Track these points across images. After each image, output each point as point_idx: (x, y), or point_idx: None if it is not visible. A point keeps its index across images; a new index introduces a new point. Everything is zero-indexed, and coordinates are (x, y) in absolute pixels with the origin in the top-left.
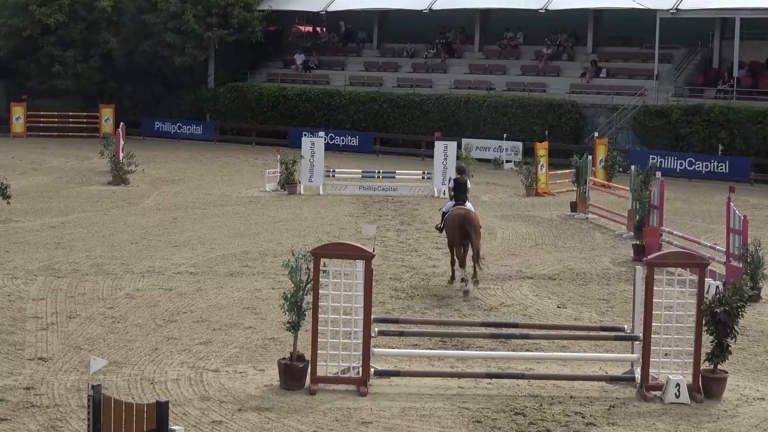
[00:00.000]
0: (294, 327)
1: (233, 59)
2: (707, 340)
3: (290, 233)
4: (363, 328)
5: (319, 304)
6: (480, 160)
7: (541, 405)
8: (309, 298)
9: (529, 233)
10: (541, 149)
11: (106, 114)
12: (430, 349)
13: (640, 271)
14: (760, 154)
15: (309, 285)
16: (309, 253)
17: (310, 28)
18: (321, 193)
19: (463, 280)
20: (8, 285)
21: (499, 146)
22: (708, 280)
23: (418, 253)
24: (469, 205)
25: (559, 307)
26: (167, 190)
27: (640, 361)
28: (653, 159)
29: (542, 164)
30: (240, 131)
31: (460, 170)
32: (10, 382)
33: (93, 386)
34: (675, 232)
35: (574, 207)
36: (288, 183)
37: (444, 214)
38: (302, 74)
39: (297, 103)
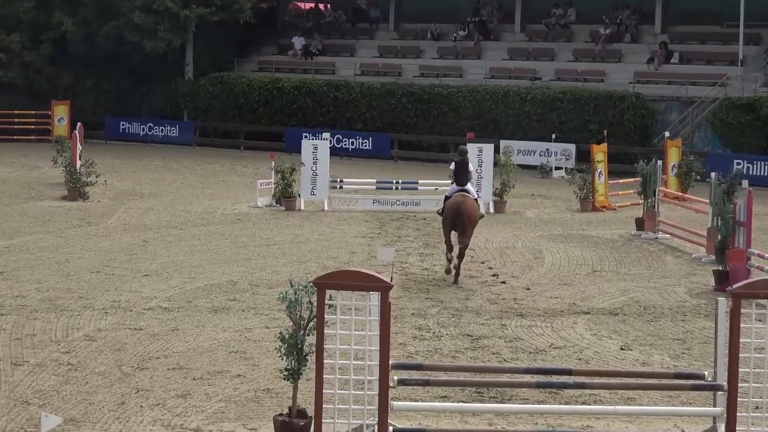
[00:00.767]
0: (293, 375)
1: (217, 44)
2: None
3: (288, 259)
4: (379, 377)
5: (325, 346)
6: (523, 166)
7: None
8: (312, 339)
9: (584, 257)
10: (599, 153)
11: (60, 113)
12: (463, 402)
13: (724, 303)
14: None
15: (312, 323)
16: (311, 284)
17: (312, 5)
18: (326, 208)
19: (448, 260)
20: None
21: (547, 149)
22: None
23: (447, 282)
24: (470, 188)
25: (622, 348)
26: (136, 206)
27: (725, 416)
28: (738, 165)
29: (600, 172)
30: (225, 133)
31: (461, 152)
32: None
33: None
34: (767, 255)
35: (640, 224)
36: (285, 197)
37: (446, 198)
38: (302, 62)
39: (296, 97)
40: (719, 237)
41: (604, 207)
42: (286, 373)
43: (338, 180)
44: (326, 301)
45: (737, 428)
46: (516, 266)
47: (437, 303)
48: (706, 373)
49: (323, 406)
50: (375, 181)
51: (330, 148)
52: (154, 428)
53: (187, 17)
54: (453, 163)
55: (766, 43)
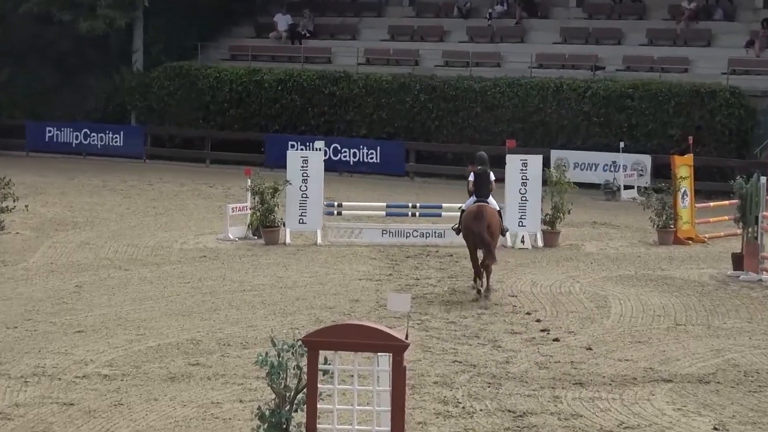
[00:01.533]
0: None
1: (175, 24)
2: None
3: (269, 309)
4: None
5: (319, 426)
6: (581, 185)
7: None
8: (301, 416)
9: (664, 306)
10: (683, 167)
11: None
12: None
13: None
14: None
15: (301, 395)
16: (300, 343)
17: None
18: (319, 242)
19: (477, 291)
20: None
21: (613, 162)
22: None
23: (481, 339)
24: (491, 201)
25: (716, 429)
26: (66, 240)
27: None
28: None
29: (685, 192)
30: (186, 141)
31: (481, 160)
32: None
33: None
34: None
35: (738, 262)
36: (265, 226)
37: (462, 212)
38: (287, 47)
39: (279, 94)
40: None
41: (690, 239)
42: None
43: (335, 204)
44: (320, 366)
45: None
46: (573, 318)
47: (468, 367)
48: None
49: None
50: (384, 205)
51: (325, 161)
52: None
53: None
54: (472, 174)
55: None
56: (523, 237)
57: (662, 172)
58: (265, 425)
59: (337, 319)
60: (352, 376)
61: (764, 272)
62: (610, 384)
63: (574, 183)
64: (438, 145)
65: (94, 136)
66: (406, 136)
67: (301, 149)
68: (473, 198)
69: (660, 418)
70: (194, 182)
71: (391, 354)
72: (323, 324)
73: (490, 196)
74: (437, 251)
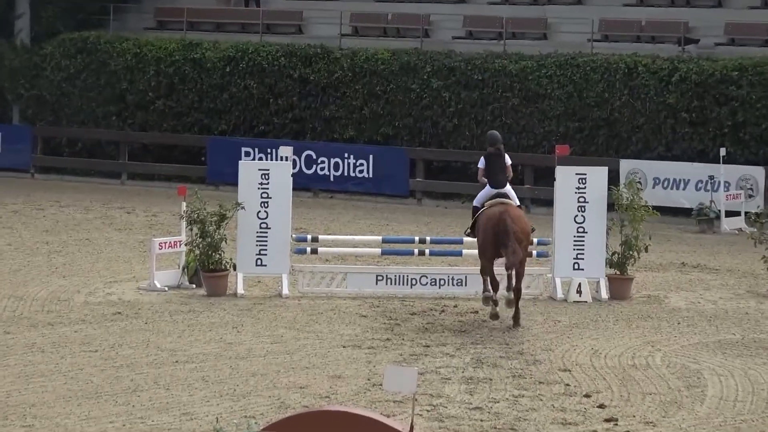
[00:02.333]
0: None
1: None
2: None
3: (212, 389)
4: None
5: None
6: (663, 210)
7: None
8: None
9: None
10: None
11: None
12: None
13: None
14: None
15: None
16: None
17: None
18: (286, 292)
19: (493, 302)
20: None
21: (710, 177)
22: None
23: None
24: (510, 191)
25: None
26: None
27: None
28: None
29: None
30: (93, 147)
31: (493, 140)
32: None
33: None
34: None
35: None
36: (207, 270)
37: (476, 209)
38: (240, 10)
39: (227, 78)
40: None
41: None
42: None
43: (309, 238)
44: None
45: None
46: (652, 403)
47: None
48: None
49: None
50: (379, 239)
51: (294, 175)
52: None
53: None
54: (482, 159)
55: None
56: (579, 286)
57: None
58: None
59: (310, 404)
60: None
61: None
62: None
63: (654, 207)
64: (456, 153)
65: None
66: (410, 141)
67: (260, 159)
68: (488, 189)
69: None
70: (105, 206)
71: None
72: (291, 411)
73: (508, 186)
74: (455, 306)
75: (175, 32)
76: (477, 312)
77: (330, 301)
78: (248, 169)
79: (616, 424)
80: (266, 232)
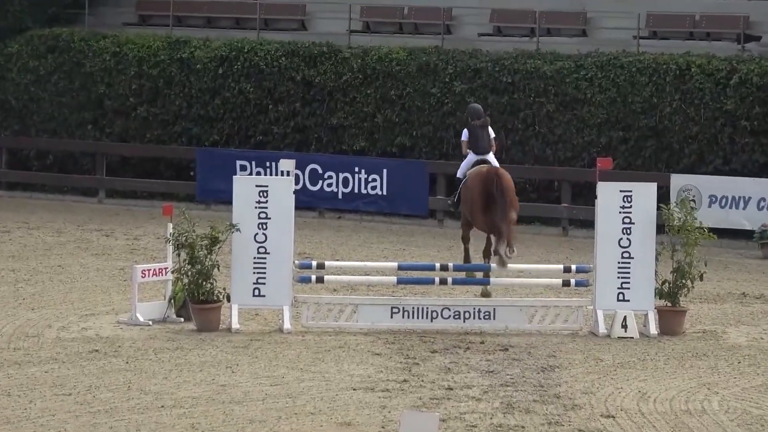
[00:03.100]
0: None
1: None
2: None
3: None
4: None
5: None
6: (720, 232)
7: None
8: None
9: None
10: None
11: None
12: None
13: None
14: None
15: None
16: None
17: None
18: (287, 327)
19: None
20: None
21: None
22: None
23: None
24: (493, 160)
25: None
26: None
27: None
28: None
29: None
30: (65, 160)
31: (475, 113)
32: None
33: None
34: None
35: None
36: (197, 301)
37: (460, 180)
38: (234, 2)
39: (220, 81)
40: None
41: None
42: None
43: (314, 264)
44: None
45: None
46: None
47: None
48: None
49: None
50: (395, 265)
51: (297, 192)
52: None
53: None
54: (465, 131)
55: None
56: (625, 319)
57: None
58: None
59: None
60: None
61: None
62: None
63: (710, 229)
64: None
65: None
66: (430, 152)
67: (257, 173)
68: (472, 156)
69: None
70: (80, 228)
71: None
72: None
73: (491, 154)
74: (482, 342)
75: (159, 28)
76: (507, 349)
77: (338, 336)
78: (244, 185)
79: None
80: (265, 258)
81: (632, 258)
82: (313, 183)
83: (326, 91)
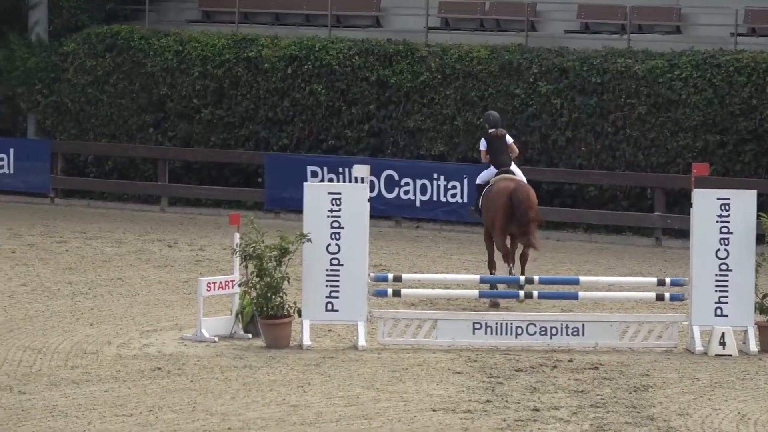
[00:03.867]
0: None
1: None
2: None
3: None
4: None
5: None
6: None
7: None
8: None
9: None
10: None
11: None
12: None
13: None
14: None
15: None
16: None
17: None
18: (362, 344)
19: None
20: None
21: None
22: None
23: None
24: (517, 171)
25: None
26: None
27: None
28: None
29: None
30: (125, 166)
31: (493, 121)
32: None
33: None
34: None
35: None
36: (266, 316)
37: (481, 187)
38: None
39: (289, 81)
40: None
41: None
42: None
43: (390, 277)
44: None
45: None
46: None
47: None
48: None
49: None
50: (477, 278)
51: (371, 200)
52: None
53: None
54: (483, 140)
55: None
56: (723, 336)
57: None
58: None
59: None
60: None
61: None
62: None
63: None
64: (570, 173)
65: None
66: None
67: (329, 180)
68: (492, 169)
69: None
70: (140, 238)
71: None
72: None
73: (514, 165)
74: (570, 360)
75: (224, 25)
76: (597, 368)
77: (416, 354)
78: (315, 192)
79: None
80: (338, 270)
81: (730, 270)
82: (389, 190)
83: (402, 92)
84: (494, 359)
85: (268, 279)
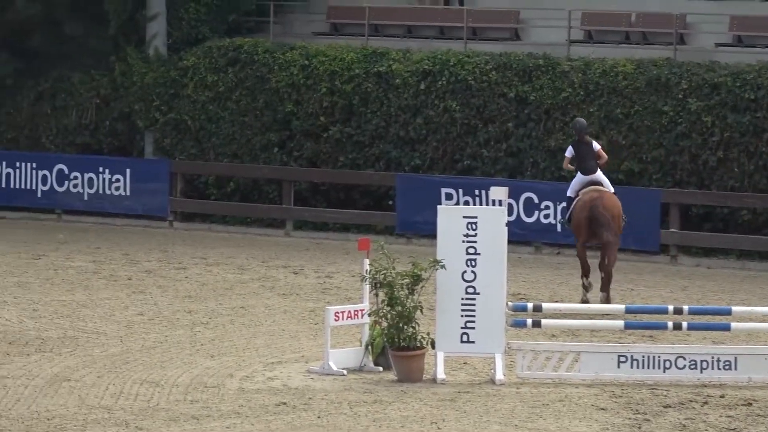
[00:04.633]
0: None
1: None
2: None
3: None
4: None
5: None
6: None
7: None
8: None
9: None
10: None
11: None
12: None
13: None
14: None
15: None
16: None
17: None
18: (500, 377)
19: (584, 288)
20: None
21: None
22: None
23: None
24: (603, 178)
25: None
26: (27, 372)
27: None
28: None
29: None
30: (248, 188)
31: (579, 127)
32: None
33: None
34: None
35: None
36: (397, 348)
37: (571, 199)
38: (438, 9)
39: (422, 98)
40: None
41: None
42: None
43: (530, 307)
44: None
45: None
46: None
47: None
48: None
49: None
50: (622, 308)
51: (510, 224)
52: None
53: None
54: (570, 147)
55: None
56: None
57: None
58: None
59: None
60: None
61: None
62: None
63: None
64: (723, 196)
65: (76, 179)
66: (661, 179)
67: (465, 203)
68: (580, 177)
69: None
70: (264, 264)
71: None
72: None
73: (599, 172)
74: (722, 396)
75: (353, 38)
76: (750, 404)
77: (558, 388)
78: (450, 216)
79: None
80: (474, 299)
81: None
82: (529, 214)
83: (543, 110)
84: (641, 395)
85: (400, 308)
